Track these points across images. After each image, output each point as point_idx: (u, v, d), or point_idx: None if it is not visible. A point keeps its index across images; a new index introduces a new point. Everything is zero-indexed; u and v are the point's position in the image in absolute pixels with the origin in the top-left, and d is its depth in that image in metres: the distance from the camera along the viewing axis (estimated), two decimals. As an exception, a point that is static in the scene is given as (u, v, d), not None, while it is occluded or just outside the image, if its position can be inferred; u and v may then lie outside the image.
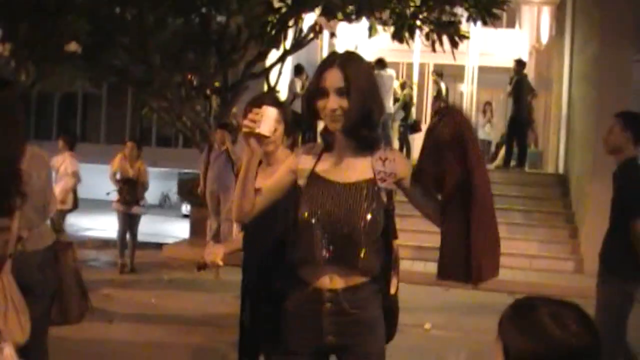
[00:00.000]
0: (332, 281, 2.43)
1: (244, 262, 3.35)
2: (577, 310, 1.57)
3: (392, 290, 2.53)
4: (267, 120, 2.34)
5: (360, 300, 2.45)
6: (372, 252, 2.42)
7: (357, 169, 2.48)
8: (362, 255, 2.40)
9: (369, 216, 2.39)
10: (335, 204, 2.42)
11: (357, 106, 2.39)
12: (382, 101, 2.50)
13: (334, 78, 2.41)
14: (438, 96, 14.34)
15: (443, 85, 14.63)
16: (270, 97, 3.42)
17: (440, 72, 14.85)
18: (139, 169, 9.36)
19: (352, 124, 2.42)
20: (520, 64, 13.27)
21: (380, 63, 13.54)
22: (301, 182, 2.52)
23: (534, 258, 10.36)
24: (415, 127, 14.13)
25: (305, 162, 2.54)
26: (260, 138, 2.38)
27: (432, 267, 2.55)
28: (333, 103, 2.40)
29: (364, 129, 2.45)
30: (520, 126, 13.19)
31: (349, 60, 2.45)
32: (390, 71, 13.83)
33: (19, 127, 3.09)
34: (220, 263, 3.25)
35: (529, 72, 14.64)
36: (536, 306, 1.58)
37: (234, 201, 2.54)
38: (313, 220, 2.42)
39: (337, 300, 2.43)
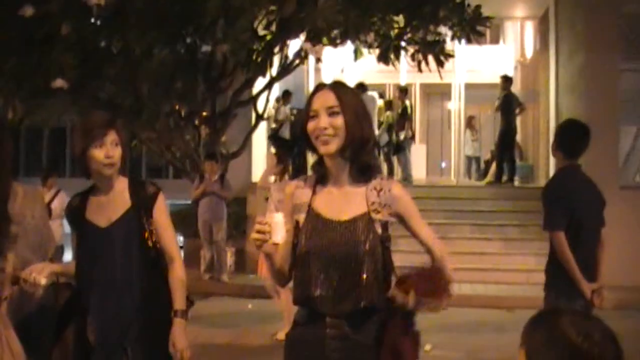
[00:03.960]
0: (334, 308, 2.41)
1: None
2: (600, 322, 1.60)
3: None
4: (277, 227, 2.34)
5: (362, 326, 2.43)
6: (370, 282, 2.41)
7: (352, 203, 2.48)
8: (362, 283, 2.40)
9: (366, 247, 2.40)
10: (332, 242, 2.43)
11: (352, 124, 2.41)
12: (373, 126, 2.50)
13: (324, 98, 2.44)
14: (403, 114, 14.06)
15: (408, 103, 14.38)
16: (98, 116, 3.16)
17: (404, 89, 14.57)
18: None
19: (348, 146, 2.42)
20: (506, 79, 13.33)
21: (361, 87, 13.33)
22: (299, 217, 2.52)
23: (531, 272, 10.29)
24: (399, 148, 14.02)
25: (302, 196, 2.55)
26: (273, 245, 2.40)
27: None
28: (323, 122, 2.41)
29: (362, 154, 2.46)
30: (509, 141, 13.23)
31: (339, 84, 2.52)
32: (371, 93, 13.62)
33: (6, 167, 3.00)
34: (43, 281, 2.90)
35: (516, 86, 14.69)
36: (560, 316, 1.60)
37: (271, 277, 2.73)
38: (310, 258, 2.44)
39: (339, 325, 2.42)
